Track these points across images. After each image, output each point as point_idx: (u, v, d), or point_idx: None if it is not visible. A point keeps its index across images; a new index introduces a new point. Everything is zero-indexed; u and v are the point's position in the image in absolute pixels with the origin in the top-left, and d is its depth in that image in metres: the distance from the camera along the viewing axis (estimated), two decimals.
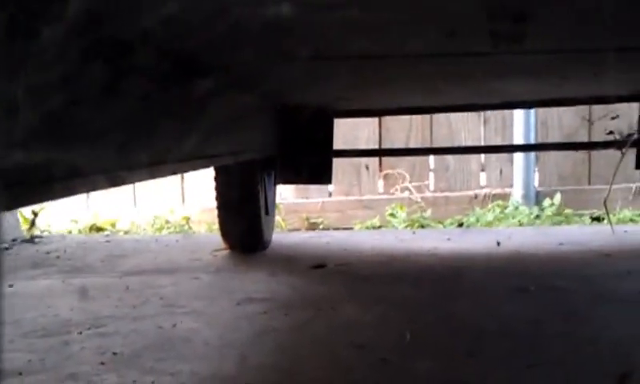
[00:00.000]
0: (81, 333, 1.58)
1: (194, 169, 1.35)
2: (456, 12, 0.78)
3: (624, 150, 2.11)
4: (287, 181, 2.42)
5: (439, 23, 0.87)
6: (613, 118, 2.14)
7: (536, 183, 3.67)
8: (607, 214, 2.17)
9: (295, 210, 3.63)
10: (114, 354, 1.42)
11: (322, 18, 0.85)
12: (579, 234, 2.77)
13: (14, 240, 2.85)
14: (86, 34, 0.64)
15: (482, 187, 3.69)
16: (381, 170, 3.67)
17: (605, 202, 2.04)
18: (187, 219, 3.64)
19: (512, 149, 3.28)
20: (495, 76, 1.52)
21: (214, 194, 2.37)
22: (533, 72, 1.50)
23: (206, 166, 1.50)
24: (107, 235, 3.25)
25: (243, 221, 2.36)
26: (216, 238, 2.54)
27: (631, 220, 3.36)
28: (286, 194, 3.59)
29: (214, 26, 0.91)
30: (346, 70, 1.30)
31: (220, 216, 2.39)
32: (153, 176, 1.08)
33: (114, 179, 0.91)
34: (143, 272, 2.23)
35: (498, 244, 2.27)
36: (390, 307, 1.71)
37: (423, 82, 1.62)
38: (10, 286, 2.07)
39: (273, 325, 1.60)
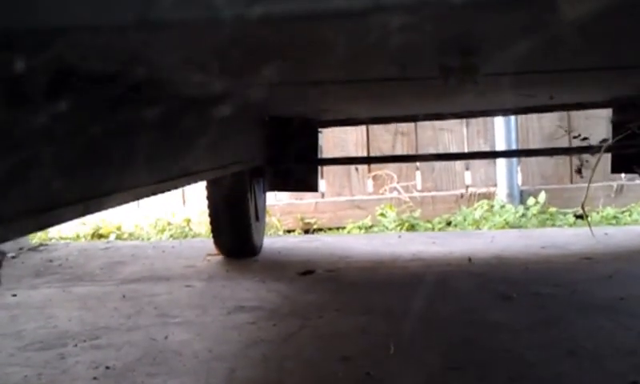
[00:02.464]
0: (76, 345, 1.54)
1: (181, 186, 1.30)
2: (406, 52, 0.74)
3: (598, 155, 2.07)
4: (275, 189, 2.38)
5: (393, 59, 0.83)
6: (583, 140, 2.10)
7: (519, 182, 3.63)
8: (586, 217, 2.13)
9: (290, 211, 3.59)
10: (107, 368, 1.39)
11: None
12: (561, 237, 2.73)
13: (20, 248, 2.80)
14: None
15: (468, 186, 3.66)
16: (369, 172, 3.64)
17: (582, 206, 2.00)
18: (188, 221, 3.61)
19: (493, 155, 3.24)
20: (461, 93, 1.47)
21: None
22: (495, 90, 1.46)
23: (194, 182, 1.46)
24: (108, 242, 3.21)
25: (234, 228, 2.33)
26: (210, 244, 2.50)
27: (614, 217, 3.33)
28: (280, 195, 3.55)
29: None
30: (321, 90, 1.26)
31: (212, 223, 2.36)
32: (136, 198, 1.03)
33: (92, 206, 0.87)
34: (139, 280, 2.19)
35: (470, 260, 2.23)
36: (376, 316, 1.67)
37: (392, 98, 1.58)
38: (14, 295, 2.04)
39: (261, 336, 1.56)
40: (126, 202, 0.99)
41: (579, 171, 1.87)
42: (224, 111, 1.46)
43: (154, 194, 1.13)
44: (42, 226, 0.74)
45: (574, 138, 2.11)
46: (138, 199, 1.05)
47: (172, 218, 3.61)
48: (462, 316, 1.64)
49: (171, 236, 3.42)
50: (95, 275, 2.30)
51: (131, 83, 0.81)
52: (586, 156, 2.02)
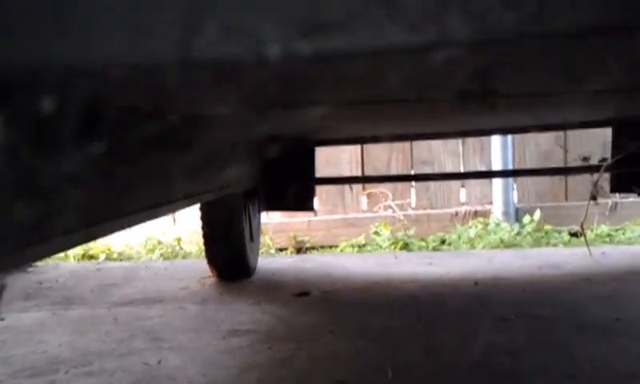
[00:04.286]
0: (68, 371, 1.53)
1: (175, 211, 1.31)
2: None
3: (597, 175, 2.09)
4: (270, 209, 2.38)
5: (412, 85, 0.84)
6: (584, 159, 2.12)
7: (515, 200, 3.64)
8: (585, 237, 2.14)
9: (282, 229, 3.59)
10: None
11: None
12: (557, 257, 2.74)
13: None
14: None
15: (463, 204, 3.66)
16: (364, 189, 3.64)
17: (582, 226, 2.01)
18: (178, 240, 3.60)
19: (490, 175, 3.25)
20: (467, 113, 1.49)
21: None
22: (504, 110, 1.48)
23: (189, 205, 1.46)
24: (98, 263, 3.19)
25: (229, 249, 2.33)
26: (203, 264, 2.50)
27: (608, 235, 3.35)
28: (273, 213, 3.55)
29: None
30: (323, 112, 1.27)
31: (206, 245, 2.35)
32: (129, 226, 1.04)
33: (92, 234, 0.88)
34: (132, 302, 2.18)
35: (476, 284, 2.23)
36: (372, 339, 1.68)
37: (398, 117, 1.59)
38: (2, 319, 2.02)
39: (256, 360, 1.56)
40: (121, 229, 0.99)
41: (594, 198, 1.89)
42: (221, 134, 1.47)
43: (147, 219, 1.13)
44: (40, 256, 0.75)
45: (583, 159, 2.13)
46: (130, 227, 1.05)
47: (162, 237, 3.60)
48: (461, 338, 1.64)
49: (162, 255, 3.41)
50: (86, 298, 2.29)
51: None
52: (599, 182, 2.04)
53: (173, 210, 1.23)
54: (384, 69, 0.58)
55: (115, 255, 3.41)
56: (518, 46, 0.47)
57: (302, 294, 2.17)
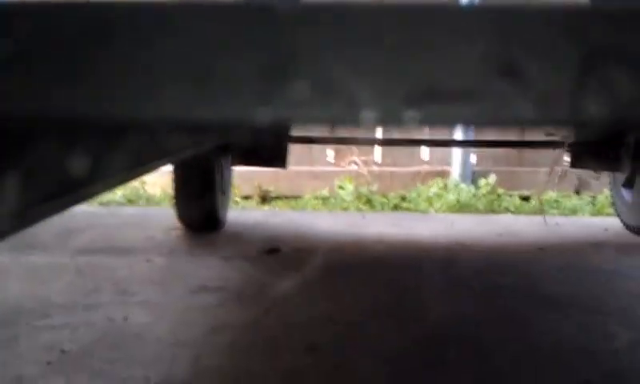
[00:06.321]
0: (28, 323, 1.40)
1: (148, 172, 1.17)
2: None
3: (560, 150, 2.05)
4: (243, 163, 2.24)
5: None
6: (549, 134, 2.09)
7: (474, 162, 3.62)
8: (542, 208, 2.12)
9: (248, 178, 3.46)
10: (63, 351, 1.26)
11: None
12: (516, 225, 2.73)
13: None
14: None
15: (424, 163, 3.62)
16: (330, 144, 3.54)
17: (540, 199, 1.97)
18: (142, 183, 3.43)
19: (454, 144, 3.20)
20: None
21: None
22: None
23: (162, 164, 1.32)
24: None
25: (199, 201, 2.19)
26: (170, 212, 2.35)
27: (556, 201, 3.39)
28: None
29: None
30: None
31: (176, 196, 2.20)
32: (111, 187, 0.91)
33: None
34: (97, 251, 2.03)
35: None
36: (343, 303, 1.59)
37: None
38: None
39: (227, 320, 1.46)
40: (103, 191, 0.87)
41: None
42: None
43: (126, 181, 1.00)
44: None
45: (547, 134, 2.09)
46: (112, 188, 0.92)
47: None
48: (424, 306, 1.56)
49: (124, 196, 3.25)
50: (48, 244, 2.12)
51: None
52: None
53: (148, 171, 1.10)
54: None
55: None
56: None
57: (273, 251, 2.06)
